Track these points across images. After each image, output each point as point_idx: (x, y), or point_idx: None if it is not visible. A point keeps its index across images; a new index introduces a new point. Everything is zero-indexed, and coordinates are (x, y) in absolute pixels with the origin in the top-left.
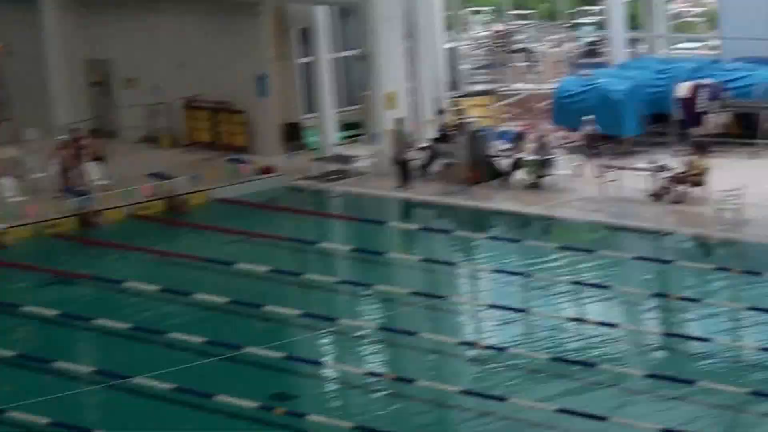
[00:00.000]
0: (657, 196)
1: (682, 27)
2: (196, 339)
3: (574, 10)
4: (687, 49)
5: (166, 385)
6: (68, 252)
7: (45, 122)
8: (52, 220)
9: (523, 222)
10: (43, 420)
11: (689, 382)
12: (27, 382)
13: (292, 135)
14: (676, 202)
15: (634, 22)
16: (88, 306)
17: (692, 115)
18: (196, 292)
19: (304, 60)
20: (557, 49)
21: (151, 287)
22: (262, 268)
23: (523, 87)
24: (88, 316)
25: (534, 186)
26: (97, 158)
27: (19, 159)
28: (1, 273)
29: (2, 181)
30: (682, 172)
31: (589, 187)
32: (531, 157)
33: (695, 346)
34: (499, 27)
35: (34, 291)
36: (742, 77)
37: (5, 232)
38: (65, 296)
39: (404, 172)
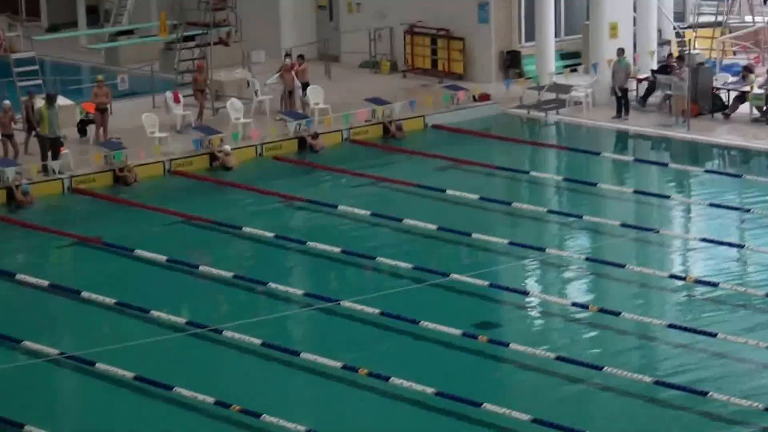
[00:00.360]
0: None
1: None
2: (404, 264)
3: None
4: None
5: (372, 310)
6: (287, 174)
7: (272, 45)
8: (273, 142)
9: (745, 157)
10: (255, 340)
11: None
12: (242, 302)
13: (511, 63)
14: None
15: None
16: (303, 229)
17: None
18: (406, 217)
19: None
20: None
21: (363, 212)
22: (472, 196)
23: (756, 19)
24: (302, 239)
25: (760, 120)
26: (306, 84)
27: (246, 81)
28: (223, 194)
29: (231, 102)
30: None
31: None
32: (758, 91)
33: None
34: None
35: (254, 213)
36: None
37: (231, 154)
38: (282, 219)
39: (622, 102)
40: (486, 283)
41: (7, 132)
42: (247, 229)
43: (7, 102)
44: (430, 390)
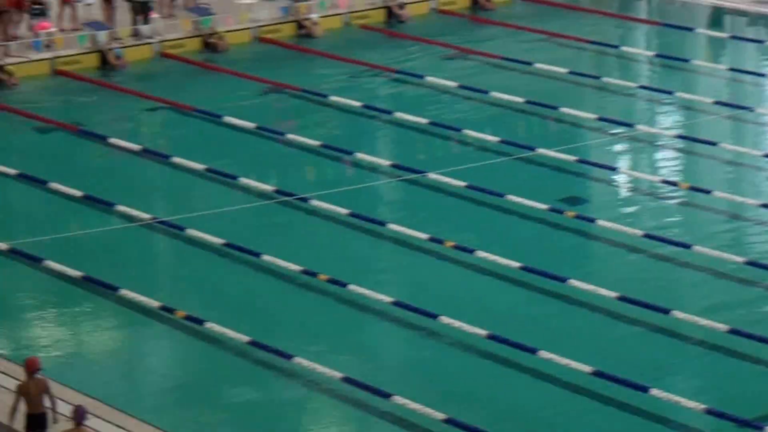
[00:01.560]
0: None
1: None
2: (490, 138)
3: None
4: None
5: (458, 182)
6: (374, 44)
7: None
8: (360, 11)
9: None
10: (342, 210)
11: None
12: (328, 172)
13: None
14: None
15: None
16: (390, 99)
17: None
18: (493, 90)
19: None
20: None
21: (450, 83)
22: (561, 70)
23: None
24: (389, 109)
25: None
26: None
27: None
28: (310, 63)
29: None
30: None
31: None
32: None
33: None
34: None
35: (341, 82)
36: None
37: (318, 23)
38: (369, 89)
39: None
40: (573, 158)
41: None
42: (333, 98)
43: None
44: (515, 264)
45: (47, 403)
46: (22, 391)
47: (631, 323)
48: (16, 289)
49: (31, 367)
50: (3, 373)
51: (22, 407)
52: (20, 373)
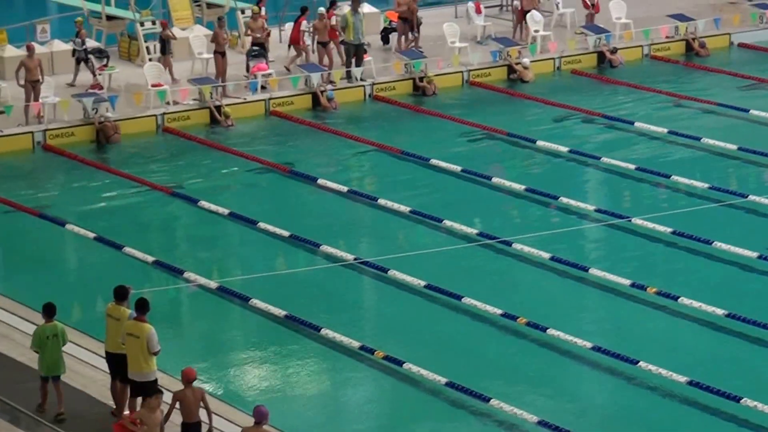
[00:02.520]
0: None
1: None
2: (699, 184)
3: None
4: None
5: (664, 228)
6: (585, 88)
7: None
8: (571, 56)
9: None
10: (545, 254)
11: None
12: (533, 215)
13: None
14: None
15: None
16: (598, 144)
17: None
18: (705, 136)
19: None
20: None
21: (660, 129)
22: None
23: None
24: (596, 154)
25: None
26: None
27: None
28: (519, 106)
29: (531, 14)
30: None
31: None
32: None
33: None
34: None
35: (549, 126)
36: None
37: (529, 67)
38: (576, 133)
39: None
40: None
41: (323, 40)
42: (541, 143)
43: (322, 9)
44: (720, 311)
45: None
46: (177, 398)
47: None
48: (225, 326)
49: (188, 377)
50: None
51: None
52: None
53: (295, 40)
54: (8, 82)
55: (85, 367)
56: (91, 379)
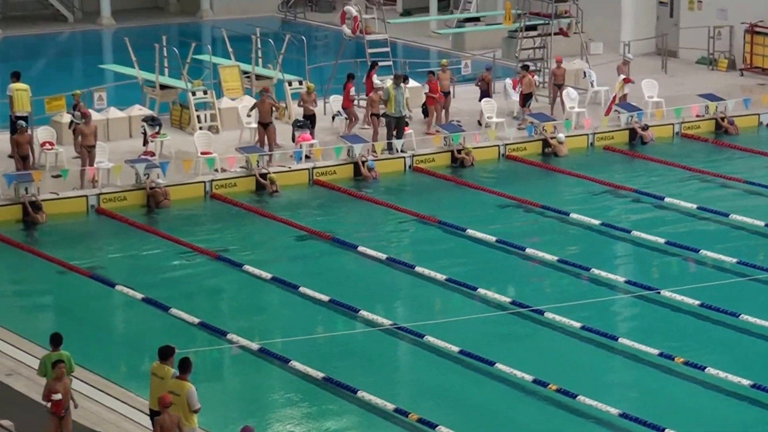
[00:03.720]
0: None
1: None
2: (727, 258)
3: None
4: None
5: (692, 300)
6: (616, 164)
7: (611, 38)
8: (605, 132)
9: None
10: (575, 323)
11: None
12: (565, 285)
13: None
14: None
15: None
16: (628, 218)
17: None
18: (734, 213)
19: None
20: None
21: (690, 204)
22: None
23: None
24: (627, 228)
25: None
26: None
27: (583, 72)
28: (555, 180)
29: (567, 91)
30: None
31: None
32: None
33: None
34: None
35: (582, 200)
36: None
37: (564, 142)
38: (608, 207)
39: None
40: None
41: (376, 111)
42: (574, 216)
43: (378, 82)
44: (746, 382)
45: None
46: (159, 423)
47: None
48: (265, 386)
49: (163, 402)
50: None
51: None
52: None
53: (348, 106)
54: (65, 146)
55: (130, 424)
56: None
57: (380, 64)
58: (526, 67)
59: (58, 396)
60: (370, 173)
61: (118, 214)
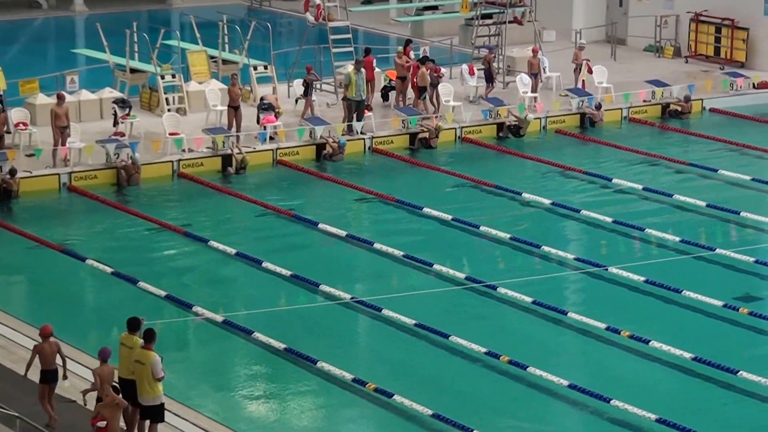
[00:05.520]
0: None
1: None
2: (671, 237)
3: None
4: None
5: (638, 277)
6: (568, 147)
7: (563, 26)
8: (556, 116)
9: None
10: (527, 298)
11: None
12: (517, 262)
13: None
14: None
15: None
16: (577, 198)
17: None
18: (677, 193)
19: None
20: None
21: (635, 185)
22: (744, 177)
23: None
24: (575, 208)
25: None
26: (590, 71)
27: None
28: (510, 161)
29: (520, 77)
30: None
31: None
32: None
33: None
34: None
35: (535, 181)
36: None
37: (525, 124)
38: (559, 188)
39: None
40: (752, 259)
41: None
42: (526, 195)
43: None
44: (687, 355)
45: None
46: (37, 350)
47: None
48: (229, 356)
49: (44, 332)
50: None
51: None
52: None
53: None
54: (39, 127)
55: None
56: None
57: (342, 49)
58: (427, 60)
59: (103, 423)
60: (338, 150)
61: (89, 191)
